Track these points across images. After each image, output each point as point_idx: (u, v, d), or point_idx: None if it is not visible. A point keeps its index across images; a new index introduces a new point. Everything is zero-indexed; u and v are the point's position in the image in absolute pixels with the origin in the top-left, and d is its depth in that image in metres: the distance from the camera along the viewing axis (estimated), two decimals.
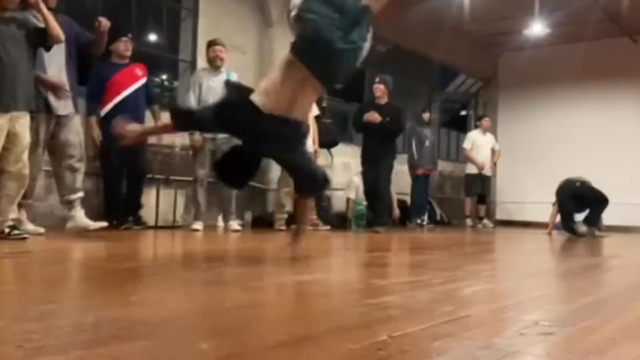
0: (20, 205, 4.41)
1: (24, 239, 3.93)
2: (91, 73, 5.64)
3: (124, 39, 5.74)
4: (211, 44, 6.21)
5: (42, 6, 4.10)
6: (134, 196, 5.85)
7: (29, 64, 4.11)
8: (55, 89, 4.50)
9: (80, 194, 4.69)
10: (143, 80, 5.82)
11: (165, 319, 1.59)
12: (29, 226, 4.47)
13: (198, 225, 5.96)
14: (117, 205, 5.66)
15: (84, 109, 5.44)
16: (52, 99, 4.51)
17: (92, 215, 5.03)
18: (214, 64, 6.11)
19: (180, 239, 4.82)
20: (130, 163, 5.68)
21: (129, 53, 5.78)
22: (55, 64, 4.54)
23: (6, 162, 3.96)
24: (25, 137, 4.04)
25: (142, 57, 6.50)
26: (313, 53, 3.02)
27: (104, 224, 4.76)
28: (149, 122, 5.69)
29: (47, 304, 1.79)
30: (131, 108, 5.54)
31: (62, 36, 4.19)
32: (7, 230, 3.91)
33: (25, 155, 4.04)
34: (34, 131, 4.36)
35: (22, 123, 4.02)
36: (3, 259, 3.14)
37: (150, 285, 2.37)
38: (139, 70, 5.84)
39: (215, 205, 6.62)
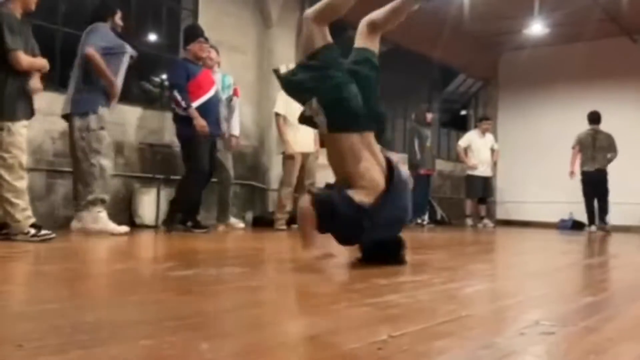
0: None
1: (50, 239, 3.94)
2: (176, 67, 5.65)
3: (202, 39, 5.72)
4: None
5: None
6: (198, 200, 5.81)
7: None
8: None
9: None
10: (216, 87, 5.84)
11: (165, 318, 1.59)
12: (111, 225, 4.74)
13: (234, 220, 6.04)
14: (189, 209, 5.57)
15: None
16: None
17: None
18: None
19: (180, 239, 4.82)
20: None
21: (205, 54, 5.76)
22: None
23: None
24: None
25: (142, 56, 6.49)
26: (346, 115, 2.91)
27: (126, 228, 4.94)
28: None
29: (47, 304, 1.79)
30: (211, 111, 5.60)
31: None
32: (32, 231, 3.92)
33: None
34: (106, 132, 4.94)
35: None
36: (3, 259, 3.15)
37: (150, 285, 2.37)
38: (212, 75, 5.85)
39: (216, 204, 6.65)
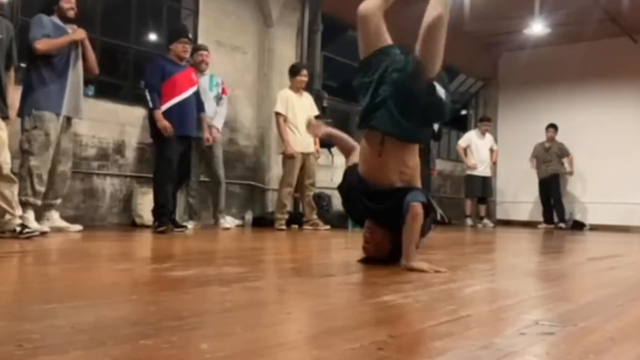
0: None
1: (34, 236, 4.04)
2: (151, 67, 5.62)
3: (184, 39, 5.70)
4: (196, 48, 6.40)
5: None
6: (174, 198, 5.78)
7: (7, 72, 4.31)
8: None
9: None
10: (196, 87, 5.81)
11: (165, 318, 1.59)
12: (34, 224, 4.61)
13: (189, 224, 6.01)
14: (168, 208, 5.53)
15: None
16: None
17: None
18: (200, 68, 6.32)
19: (177, 239, 4.82)
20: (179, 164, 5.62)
21: (187, 55, 5.77)
22: None
23: None
24: (2, 137, 4.15)
25: (142, 56, 6.50)
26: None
27: (79, 227, 5.04)
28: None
29: (47, 304, 1.79)
30: (186, 112, 5.56)
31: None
32: (18, 229, 4.01)
33: (5, 155, 4.11)
34: (44, 132, 4.74)
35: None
36: (3, 259, 3.15)
37: (149, 284, 2.37)
38: (194, 75, 5.84)
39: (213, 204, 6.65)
